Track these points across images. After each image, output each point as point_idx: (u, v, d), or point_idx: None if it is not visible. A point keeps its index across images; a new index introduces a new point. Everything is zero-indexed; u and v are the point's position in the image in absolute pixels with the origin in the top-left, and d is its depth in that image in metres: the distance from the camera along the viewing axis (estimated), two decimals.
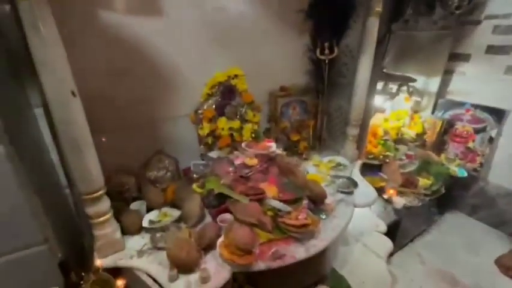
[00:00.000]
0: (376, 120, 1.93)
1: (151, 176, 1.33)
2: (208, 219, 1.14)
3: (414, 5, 1.61)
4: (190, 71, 1.34)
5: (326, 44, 1.56)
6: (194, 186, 1.22)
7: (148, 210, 1.18)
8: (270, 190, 1.13)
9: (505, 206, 1.81)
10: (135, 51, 1.17)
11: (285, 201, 1.09)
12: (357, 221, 1.26)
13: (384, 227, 1.44)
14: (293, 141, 1.60)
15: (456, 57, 1.95)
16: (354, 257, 1.34)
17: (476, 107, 1.87)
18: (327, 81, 1.66)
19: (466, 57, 1.91)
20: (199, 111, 1.39)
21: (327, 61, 1.60)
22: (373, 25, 1.36)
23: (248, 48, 1.48)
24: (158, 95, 1.30)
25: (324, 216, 1.15)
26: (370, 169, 1.76)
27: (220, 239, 0.99)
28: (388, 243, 1.34)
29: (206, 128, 1.38)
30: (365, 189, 1.32)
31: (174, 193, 1.23)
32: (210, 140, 1.41)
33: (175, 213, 1.15)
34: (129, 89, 1.21)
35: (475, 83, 1.90)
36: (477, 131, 1.87)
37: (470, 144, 1.90)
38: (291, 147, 1.60)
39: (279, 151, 1.37)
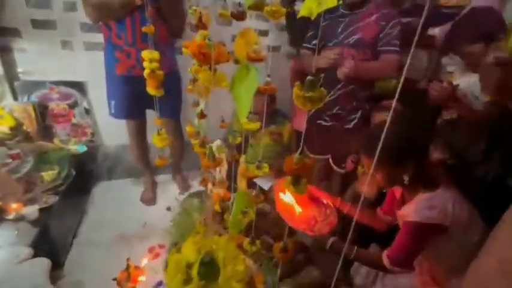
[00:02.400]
0: None
1: None
2: None
3: None
4: None
5: None
6: None
7: None
8: None
9: (125, 156, 2.20)
10: None
11: None
12: None
13: (27, 251, 1.12)
14: None
15: (3, 32, 1.68)
16: None
17: (57, 83, 1.86)
18: None
19: (15, 32, 1.71)
20: None
21: None
22: None
23: None
24: None
25: None
26: None
27: None
28: (40, 264, 1.08)
29: None
30: None
31: None
32: None
33: None
34: None
35: (43, 60, 1.81)
36: (72, 106, 1.92)
37: (74, 120, 1.95)
38: None
39: None
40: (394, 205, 1.08)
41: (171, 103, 1.77)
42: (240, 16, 0.67)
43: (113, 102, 1.70)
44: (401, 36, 1.38)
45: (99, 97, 1.98)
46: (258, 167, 0.63)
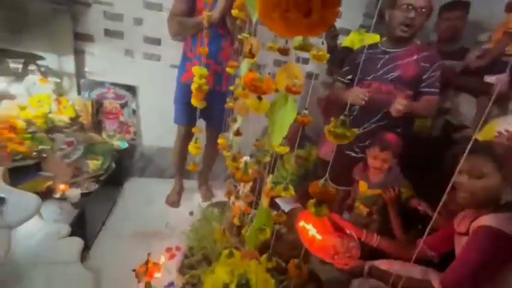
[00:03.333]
0: (7, 110, 1.48)
1: None
2: None
3: None
4: None
5: None
6: None
7: None
8: None
9: (159, 158, 2.37)
10: None
11: None
12: (26, 242, 0.95)
13: (66, 229, 1.25)
14: None
15: (81, 36, 1.97)
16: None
17: (114, 85, 2.10)
18: None
19: (90, 38, 1.99)
20: None
21: None
22: None
23: None
24: None
25: None
26: (23, 173, 1.37)
27: None
28: (75, 243, 1.20)
29: None
30: (19, 200, 1.01)
31: None
32: None
33: None
34: None
35: (106, 63, 2.07)
36: (122, 106, 2.14)
37: (122, 118, 2.16)
38: None
39: None
40: (447, 244, 1.02)
41: (223, 118, 1.88)
42: (284, 52, 0.75)
43: (174, 107, 1.90)
44: (444, 78, 1.38)
45: (146, 101, 2.20)
46: (285, 189, 0.67)
